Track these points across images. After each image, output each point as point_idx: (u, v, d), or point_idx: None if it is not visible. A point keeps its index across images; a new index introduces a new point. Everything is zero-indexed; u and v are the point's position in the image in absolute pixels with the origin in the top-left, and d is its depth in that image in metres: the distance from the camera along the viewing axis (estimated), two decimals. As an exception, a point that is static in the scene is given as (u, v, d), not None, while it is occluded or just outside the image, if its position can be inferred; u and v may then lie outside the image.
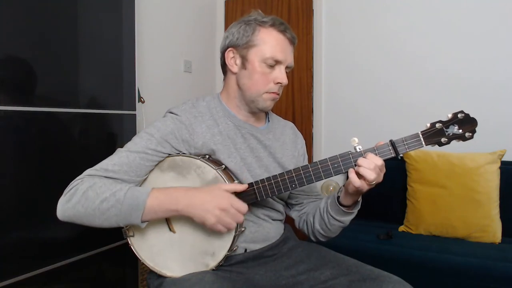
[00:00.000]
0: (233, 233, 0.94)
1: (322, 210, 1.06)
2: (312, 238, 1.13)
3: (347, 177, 0.92)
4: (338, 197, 1.01)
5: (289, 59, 1.04)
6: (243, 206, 0.92)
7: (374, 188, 0.94)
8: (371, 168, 0.88)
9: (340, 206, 1.00)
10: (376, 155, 0.91)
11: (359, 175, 0.89)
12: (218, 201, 0.89)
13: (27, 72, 1.41)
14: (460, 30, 2.18)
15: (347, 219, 1.03)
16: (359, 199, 1.01)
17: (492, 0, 2.09)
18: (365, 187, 0.90)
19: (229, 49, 1.05)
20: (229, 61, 1.06)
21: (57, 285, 1.51)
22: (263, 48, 1.00)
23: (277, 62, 1.01)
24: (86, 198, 0.88)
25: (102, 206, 0.88)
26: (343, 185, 0.99)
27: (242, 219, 0.92)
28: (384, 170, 0.91)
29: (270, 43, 1.00)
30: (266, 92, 1.03)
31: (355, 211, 1.02)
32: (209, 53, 2.79)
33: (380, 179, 0.91)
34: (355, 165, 0.91)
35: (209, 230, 0.94)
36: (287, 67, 1.04)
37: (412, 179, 2.00)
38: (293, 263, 1.06)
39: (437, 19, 2.24)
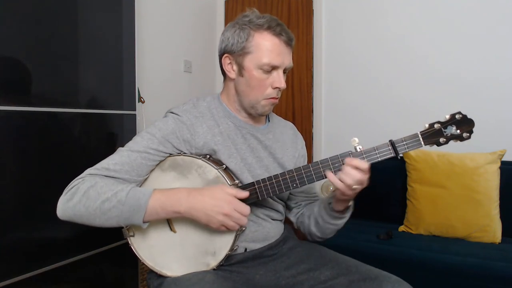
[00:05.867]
0: (234, 233, 0.95)
1: (316, 213, 1.07)
2: (309, 238, 1.15)
3: None
4: (330, 202, 1.02)
5: (287, 62, 1.02)
6: (246, 209, 0.92)
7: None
8: (346, 172, 0.89)
9: (332, 212, 1.01)
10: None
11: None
12: (221, 205, 0.89)
13: (27, 72, 1.40)
14: (460, 30, 2.18)
15: (341, 222, 1.05)
16: (350, 204, 1.01)
17: (492, 0, 2.10)
18: (347, 191, 0.91)
19: (225, 55, 1.04)
20: (226, 67, 1.05)
21: (57, 285, 1.51)
22: (259, 55, 0.98)
23: (274, 67, 1.00)
24: (87, 197, 0.88)
25: (103, 206, 0.88)
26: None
27: (246, 221, 0.92)
28: (368, 173, 0.91)
29: (266, 49, 0.98)
30: (265, 98, 1.02)
31: (348, 215, 1.04)
32: (209, 53, 2.79)
33: (365, 183, 0.92)
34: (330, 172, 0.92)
35: (212, 229, 0.94)
36: (285, 69, 1.03)
37: (412, 179, 2.00)
38: (293, 263, 1.06)
39: (437, 19, 2.24)
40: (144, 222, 0.90)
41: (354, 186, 0.90)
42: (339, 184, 0.91)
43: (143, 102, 2.09)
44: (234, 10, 2.79)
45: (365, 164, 0.89)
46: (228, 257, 0.97)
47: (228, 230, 0.92)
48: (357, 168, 0.89)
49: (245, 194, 0.94)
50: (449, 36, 2.21)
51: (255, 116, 1.08)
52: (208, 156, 1.01)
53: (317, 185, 1.17)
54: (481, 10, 2.13)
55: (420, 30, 2.28)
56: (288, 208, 1.20)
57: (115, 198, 0.88)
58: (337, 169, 0.93)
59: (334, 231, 1.08)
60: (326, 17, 2.58)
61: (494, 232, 1.79)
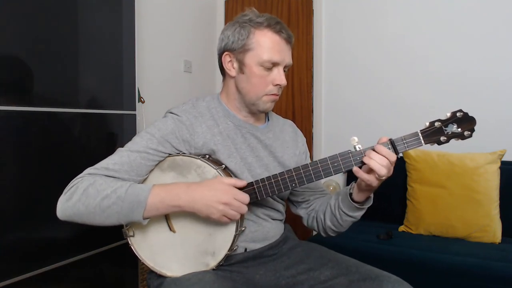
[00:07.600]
0: (233, 233, 0.94)
1: (333, 207, 1.06)
2: (323, 234, 1.13)
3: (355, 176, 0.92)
4: (351, 193, 1.01)
5: (287, 59, 1.03)
6: (245, 197, 0.92)
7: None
8: (384, 165, 0.88)
9: (353, 203, 1.00)
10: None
11: (370, 169, 0.89)
12: (220, 195, 0.90)
13: (27, 72, 1.40)
14: (460, 30, 2.18)
15: (359, 214, 1.03)
16: (371, 195, 1.00)
17: (492, 0, 2.10)
18: (374, 181, 0.90)
19: (226, 53, 1.04)
20: (227, 65, 1.05)
21: (57, 285, 1.51)
22: (260, 52, 0.99)
23: (275, 64, 1.00)
24: (87, 195, 0.88)
25: (103, 203, 0.88)
26: (355, 182, 0.99)
27: (246, 209, 0.93)
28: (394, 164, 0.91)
29: (266, 46, 0.99)
30: (266, 95, 1.03)
31: (367, 206, 1.02)
32: (209, 53, 2.79)
33: (391, 173, 0.91)
34: (364, 156, 0.90)
35: (214, 223, 0.94)
36: (285, 67, 1.04)
37: (412, 179, 2.00)
38: (293, 263, 1.06)
39: (437, 18, 2.24)
40: (144, 218, 0.90)
41: (383, 177, 0.88)
42: (365, 177, 0.90)
43: (143, 102, 2.09)
44: (234, 10, 2.79)
45: (393, 157, 0.89)
46: (228, 257, 0.97)
47: (229, 221, 0.92)
48: (388, 161, 0.89)
49: (242, 183, 0.95)
50: (449, 36, 2.21)
51: (256, 113, 1.08)
52: (207, 156, 1.01)
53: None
54: (481, 10, 2.12)
55: (420, 30, 2.28)
56: (295, 203, 1.19)
57: (114, 194, 0.88)
58: (358, 162, 0.92)
59: (351, 223, 1.07)
60: (326, 17, 2.58)
61: (494, 232, 1.79)
